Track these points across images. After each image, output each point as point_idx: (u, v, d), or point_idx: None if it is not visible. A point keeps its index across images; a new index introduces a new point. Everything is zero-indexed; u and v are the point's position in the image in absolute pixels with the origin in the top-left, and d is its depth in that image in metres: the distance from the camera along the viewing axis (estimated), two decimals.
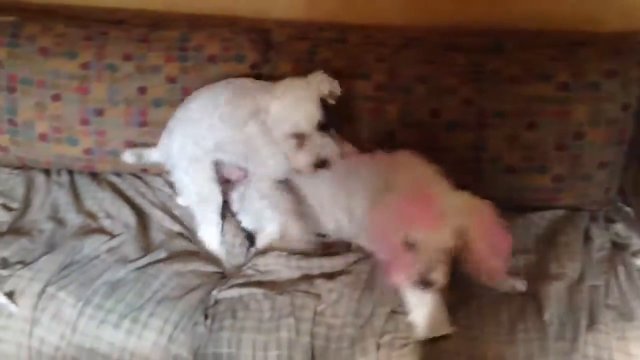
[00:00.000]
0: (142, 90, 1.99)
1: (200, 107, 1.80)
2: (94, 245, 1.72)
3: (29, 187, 2.01)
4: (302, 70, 1.90)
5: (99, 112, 2.00)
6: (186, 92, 1.98)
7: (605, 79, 1.77)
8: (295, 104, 1.59)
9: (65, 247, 1.72)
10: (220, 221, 1.79)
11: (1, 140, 2.07)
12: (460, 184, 1.83)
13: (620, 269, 1.61)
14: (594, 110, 1.78)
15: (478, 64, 1.88)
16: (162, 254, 1.71)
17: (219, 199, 1.81)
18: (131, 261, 1.68)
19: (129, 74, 1.98)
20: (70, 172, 2.11)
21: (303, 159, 1.60)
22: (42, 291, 1.57)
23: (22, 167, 2.11)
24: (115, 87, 1.98)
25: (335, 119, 1.68)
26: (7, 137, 2.06)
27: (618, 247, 1.71)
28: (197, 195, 1.79)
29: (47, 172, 2.11)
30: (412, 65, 1.91)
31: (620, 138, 1.81)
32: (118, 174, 2.09)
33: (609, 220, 1.83)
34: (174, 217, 1.91)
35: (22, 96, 2.01)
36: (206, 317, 1.55)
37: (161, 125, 1.99)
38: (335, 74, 1.89)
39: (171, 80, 1.98)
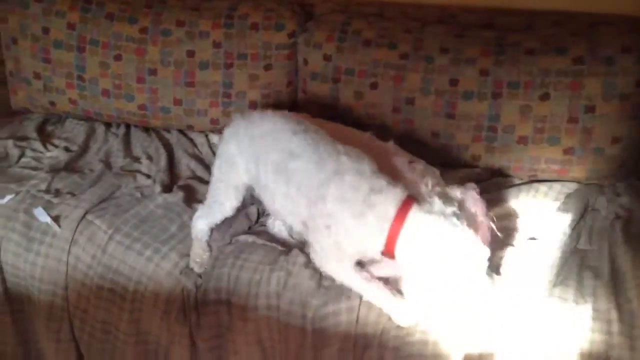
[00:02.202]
0: (190, 54, 2.14)
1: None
2: (129, 184, 1.88)
3: (90, 135, 2.22)
4: (333, 39, 2.01)
5: (153, 72, 2.17)
6: (229, 57, 2.12)
7: (620, 54, 1.75)
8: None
9: (106, 183, 1.90)
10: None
11: (71, 94, 2.28)
12: (475, 154, 1.89)
13: (617, 237, 1.60)
14: (607, 84, 1.76)
15: (501, 37, 1.90)
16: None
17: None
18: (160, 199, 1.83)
19: (180, 38, 2.14)
20: (127, 126, 2.29)
21: None
22: (82, 217, 1.75)
23: (88, 119, 2.32)
24: (168, 50, 2.14)
25: None
26: (77, 92, 2.27)
27: (620, 218, 1.68)
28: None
29: (108, 124, 2.30)
30: (438, 38, 1.95)
31: (635, 113, 1.77)
32: (167, 130, 2.25)
33: (618, 194, 1.79)
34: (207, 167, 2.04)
35: (90, 55, 2.21)
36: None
37: (205, 86, 2.15)
38: (363, 43, 1.99)
39: (216, 45, 2.12)
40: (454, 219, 1.33)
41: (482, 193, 1.72)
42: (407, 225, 1.35)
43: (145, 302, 1.64)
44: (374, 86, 1.98)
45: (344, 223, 1.40)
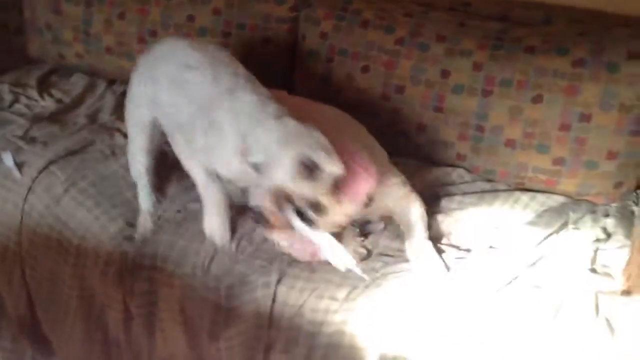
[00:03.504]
0: (191, 18, 2.09)
1: None
2: (104, 141, 1.86)
3: (87, 90, 2.22)
4: (333, 17, 1.91)
5: (153, 33, 2.14)
6: (227, 25, 2.05)
7: (626, 61, 1.56)
8: None
9: (80, 137, 1.87)
10: None
11: (78, 48, 2.28)
12: (460, 153, 1.75)
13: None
14: (607, 92, 1.58)
15: (503, 31, 1.75)
16: None
17: None
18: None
19: (182, 1, 2.09)
20: None
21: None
22: (44, 167, 1.73)
23: (92, 74, 2.32)
24: (169, 13, 2.10)
25: None
26: (82, 46, 2.27)
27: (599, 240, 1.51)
28: None
29: (112, 81, 2.29)
30: (437, 25, 1.82)
31: (636, 128, 1.58)
32: None
33: (607, 216, 1.61)
34: None
35: (96, 12, 2.20)
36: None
37: None
38: (361, 23, 1.88)
39: (216, 12, 2.06)
40: None
41: (459, 194, 1.65)
42: None
43: (88, 259, 1.61)
44: (365, 69, 1.87)
45: (223, 133, 1.38)
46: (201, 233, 1.54)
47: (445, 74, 1.76)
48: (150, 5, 2.13)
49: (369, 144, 1.62)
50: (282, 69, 2.09)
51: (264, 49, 2.06)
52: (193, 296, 1.49)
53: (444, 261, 1.45)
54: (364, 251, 1.48)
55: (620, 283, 1.37)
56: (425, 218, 1.54)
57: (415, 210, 1.53)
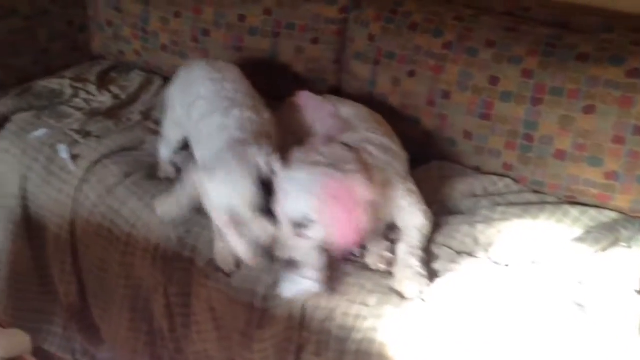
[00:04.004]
0: (242, 18, 2.12)
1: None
2: (154, 141, 1.91)
3: (143, 86, 2.29)
4: (382, 19, 1.89)
5: (206, 33, 2.18)
6: (276, 25, 2.07)
7: None
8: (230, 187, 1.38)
9: (133, 134, 1.94)
10: None
11: (136, 45, 2.35)
12: (507, 163, 1.71)
13: None
14: None
15: (555, 37, 1.69)
16: None
17: None
18: None
19: (233, 1, 2.12)
20: None
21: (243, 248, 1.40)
22: (97, 161, 1.81)
23: (150, 71, 2.39)
24: (221, 12, 2.13)
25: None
26: (140, 44, 2.34)
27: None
28: None
29: (167, 79, 2.34)
30: (488, 30, 1.78)
31: None
32: None
33: None
34: None
35: (153, 9, 2.26)
36: None
37: (255, 52, 2.12)
38: (409, 26, 1.86)
39: (267, 12, 2.08)
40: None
41: (504, 205, 1.61)
42: None
43: (137, 248, 1.67)
44: (411, 74, 1.85)
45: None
46: None
47: (493, 80, 1.72)
48: (203, 4, 2.16)
49: (387, 145, 1.59)
50: (330, 70, 2.09)
51: (312, 50, 2.06)
52: (224, 297, 1.52)
53: (425, 281, 1.41)
54: (390, 255, 1.47)
55: None
56: (426, 230, 1.51)
57: (414, 220, 1.50)
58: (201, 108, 1.60)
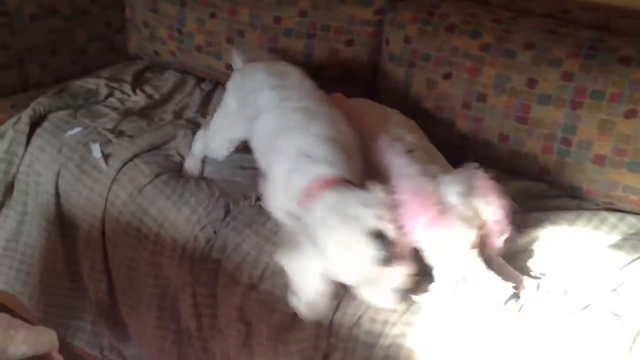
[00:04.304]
0: (277, 20, 2.14)
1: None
2: (186, 136, 1.94)
3: (177, 86, 2.32)
4: (419, 20, 1.88)
5: (241, 34, 2.21)
6: (312, 26, 2.08)
7: None
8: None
9: (163, 132, 1.97)
10: None
11: (171, 46, 2.39)
12: (544, 167, 1.69)
13: None
14: None
15: (597, 39, 1.66)
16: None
17: None
18: None
19: (269, 3, 2.14)
20: (218, 84, 2.35)
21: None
22: (129, 160, 1.84)
23: (184, 72, 2.42)
24: (256, 14, 2.16)
25: None
26: (175, 44, 2.38)
27: None
28: None
29: (201, 79, 2.38)
30: (526, 32, 1.76)
31: None
32: None
33: None
34: None
35: (190, 10, 2.29)
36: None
37: (290, 53, 2.13)
38: (446, 28, 1.85)
39: (302, 13, 2.10)
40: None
41: (539, 210, 1.57)
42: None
43: (165, 247, 1.69)
44: (447, 76, 1.84)
45: (276, 177, 1.42)
46: (263, 239, 1.57)
47: (531, 83, 1.70)
48: (239, 6, 2.19)
49: (435, 152, 1.58)
50: (365, 73, 2.09)
51: (347, 52, 2.06)
52: (251, 303, 1.52)
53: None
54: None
55: None
56: None
57: None
58: (268, 124, 1.50)
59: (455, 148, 1.80)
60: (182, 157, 1.88)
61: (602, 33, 1.70)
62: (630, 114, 1.56)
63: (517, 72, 1.72)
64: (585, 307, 1.35)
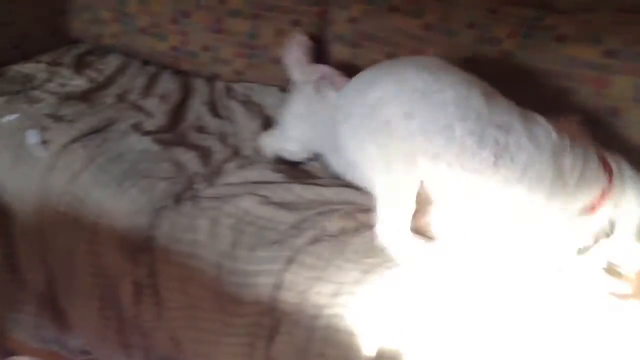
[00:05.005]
0: (222, 0, 2.15)
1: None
2: (127, 120, 1.95)
3: (120, 70, 2.32)
4: (364, 0, 1.91)
5: (186, 14, 2.21)
6: (258, 6, 2.10)
7: None
8: None
9: (104, 115, 1.97)
10: None
11: (114, 28, 2.39)
12: None
13: None
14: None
15: (537, 18, 1.72)
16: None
17: None
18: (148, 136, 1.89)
19: None
20: (163, 67, 2.35)
21: None
22: (66, 144, 1.84)
23: (128, 55, 2.42)
24: None
25: None
26: (118, 26, 2.38)
27: None
28: None
29: (146, 62, 2.38)
30: (469, 11, 1.81)
31: None
32: (198, 75, 2.29)
33: None
34: (218, 116, 2.06)
35: None
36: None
37: (232, 34, 2.14)
38: (390, 8, 1.88)
39: None
40: None
41: None
42: None
43: (102, 236, 1.70)
44: (391, 56, 1.87)
45: None
46: (207, 212, 1.60)
47: (470, 61, 1.74)
48: None
49: None
50: (313, 55, 2.11)
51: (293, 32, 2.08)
52: (192, 275, 1.55)
53: None
54: None
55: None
56: None
57: None
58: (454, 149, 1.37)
59: None
60: (124, 140, 1.87)
61: (544, 11, 1.75)
62: (565, 90, 1.62)
63: (458, 51, 1.77)
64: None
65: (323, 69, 1.80)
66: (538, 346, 1.30)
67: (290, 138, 1.78)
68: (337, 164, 1.67)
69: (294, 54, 1.89)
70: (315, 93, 1.73)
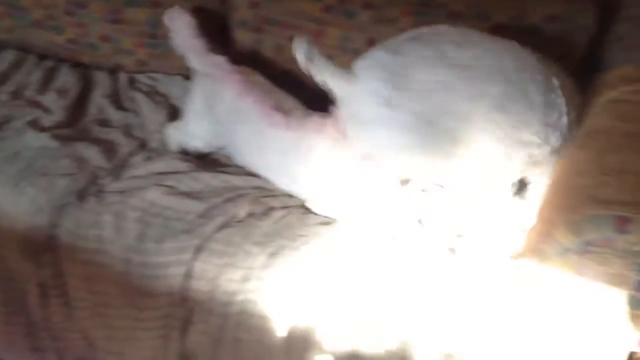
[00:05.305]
0: None
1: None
2: (23, 117, 1.89)
3: (15, 65, 2.24)
4: None
5: (82, 5, 2.15)
6: None
7: (546, 24, 1.59)
8: None
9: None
10: None
11: (7, 22, 2.29)
12: None
13: None
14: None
15: None
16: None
17: None
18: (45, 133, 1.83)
19: None
20: (61, 61, 2.29)
21: None
22: None
23: (23, 50, 2.33)
24: None
25: None
26: (11, 20, 2.28)
27: None
28: None
29: (43, 57, 2.31)
30: None
31: None
32: (100, 68, 2.24)
33: None
34: (122, 109, 2.03)
35: None
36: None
37: (132, 24, 2.11)
38: None
39: None
40: None
41: None
42: None
43: (3, 238, 1.65)
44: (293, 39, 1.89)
45: None
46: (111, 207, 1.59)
47: (371, 42, 1.79)
48: None
49: None
50: (217, 42, 2.11)
51: (196, 19, 2.07)
52: (100, 272, 1.54)
53: None
54: None
55: None
56: None
57: None
58: None
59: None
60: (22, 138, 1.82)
61: None
62: None
63: (357, 32, 1.81)
64: None
65: (219, 62, 1.79)
66: (439, 314, 1.37)
67: (193, 134, 1.80)
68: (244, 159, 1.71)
69: (184, 38, 1.87)
70: (212, 88, 1.74)
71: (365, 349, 1.37)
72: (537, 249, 1.19)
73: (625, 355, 1.22)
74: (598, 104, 1.39)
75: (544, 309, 1.24)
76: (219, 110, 1.74)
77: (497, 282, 1.34)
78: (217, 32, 2.09)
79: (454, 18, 1.71)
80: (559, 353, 1.25)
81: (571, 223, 1.11)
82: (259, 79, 1.82)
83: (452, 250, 1.42)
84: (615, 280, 1.13)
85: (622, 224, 1.06)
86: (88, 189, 1.68)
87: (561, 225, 1.13)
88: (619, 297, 1.14)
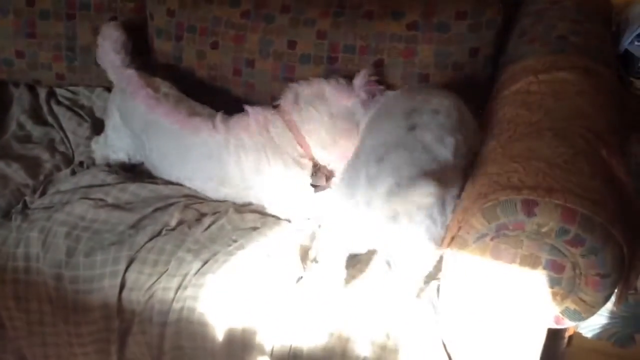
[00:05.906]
0: (30, 2, 2.10)
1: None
2: None
3: None
4: None
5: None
6: (71, 6, 2.07)
7: (455, 21, 1.69)
8: None
9: None
10: None
11: None
12: None
13: None
14: (440, 52, 1.71)
15: None
16: None
17: None
18: None
19: None
20: None
21: None
22: None
23: None
24: None
25: None
26: None
27: None
28: None
29: None
30: None
31: (469, 83, 1.73)
32: (16, 84, 2.22)
33: None
34: (44, 124, 2.02)
35: None
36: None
37: (48, 38, 2.10)
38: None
39: None
40: None
41: None
42: None
43: None
44: (214, 46, 1.94)
45: None
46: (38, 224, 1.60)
47: (292, 44, 1.85)
48: None
49: None
50: (135, 51, 2.12)
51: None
52: (31, 291, 1.55)
53: None
54: None
55: None
56: None
57: None
58: None
59: (232, 113, 1.92)
60: None
61: None
62: (379, 63, 1.78)
63: (277, 35, 1.87)
64: None
65: (130, 76, 1.82)
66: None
67: (115, 147, 1.84)
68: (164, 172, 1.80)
69: (105, 52, 1.89)
70: (125, 103, 1.77)
71: (304, 347, 1.43)
72: (457, 237, 1.28)
73: (544, 332, 1.32)
74: (505, 95, 1.50)
75: (466, 296, 1.32)
76: (133, 125, 1.77)
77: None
78: (136, 42, 2.11)
79: (367, 18, 1.79)
80: (483, 334, 1.33)
81: (484, 209, 1.20)
82: (171, 90, 1.84)
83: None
84: (529, 261, 1.22)
85: (530, 207, 1.16)
86: (13, 207, 1.67)
87: (476, 212, 1.22)
88: (535, 277, 1.23)
